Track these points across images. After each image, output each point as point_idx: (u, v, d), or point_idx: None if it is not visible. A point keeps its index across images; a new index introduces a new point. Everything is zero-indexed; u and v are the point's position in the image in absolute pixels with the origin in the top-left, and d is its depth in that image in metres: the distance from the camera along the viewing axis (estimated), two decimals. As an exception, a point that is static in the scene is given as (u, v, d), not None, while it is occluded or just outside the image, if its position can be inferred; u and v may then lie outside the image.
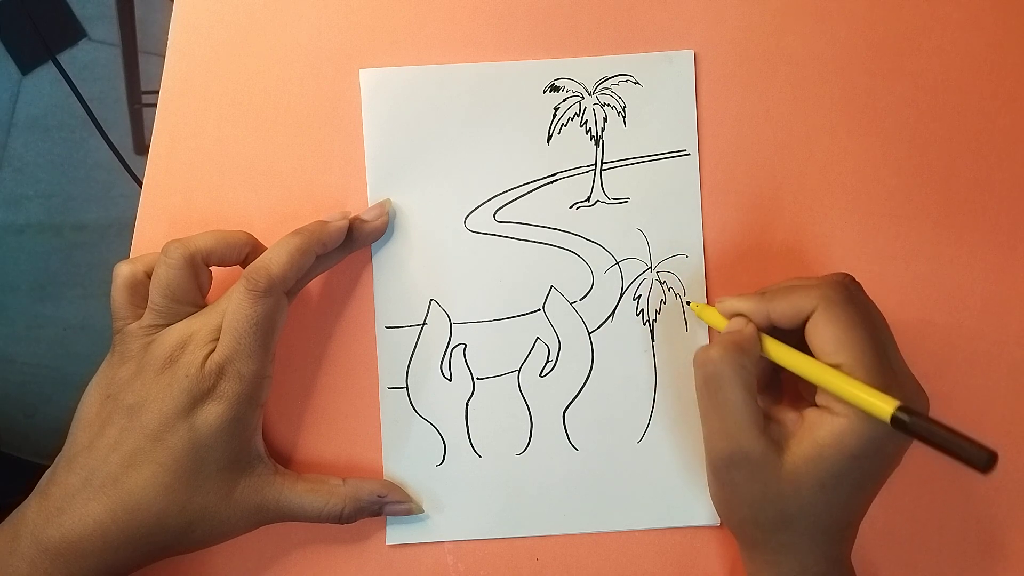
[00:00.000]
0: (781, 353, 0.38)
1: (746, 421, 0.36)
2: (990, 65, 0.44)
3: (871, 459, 0.36)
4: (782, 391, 0.41)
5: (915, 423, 0.32)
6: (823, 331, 0.36)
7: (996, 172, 0.44)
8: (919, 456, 0.44)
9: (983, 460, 0.31)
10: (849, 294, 0.37)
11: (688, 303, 0.43)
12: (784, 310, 0.37)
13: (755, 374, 0.37)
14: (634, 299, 0.44)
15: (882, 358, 0.36)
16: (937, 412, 0.44)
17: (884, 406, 0.33)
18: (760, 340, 0.38)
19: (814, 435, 0.36)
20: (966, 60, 0.44)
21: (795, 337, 0.37)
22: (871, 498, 0.38)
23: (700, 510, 0.44)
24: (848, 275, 0.38)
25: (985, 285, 0.44)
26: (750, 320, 0.38)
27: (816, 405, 0.37)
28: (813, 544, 0.37)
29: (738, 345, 0.37)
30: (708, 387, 0.37)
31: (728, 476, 0.37)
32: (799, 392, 0.40)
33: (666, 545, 0.44)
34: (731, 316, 0.39)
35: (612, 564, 0.44)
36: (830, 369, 0.35)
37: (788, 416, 0.37)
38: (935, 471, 0.44)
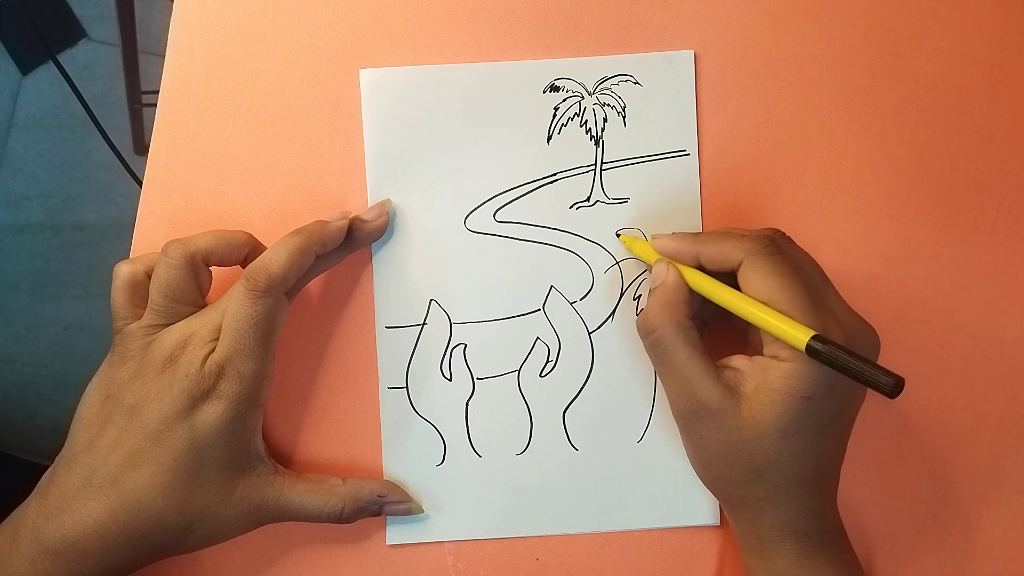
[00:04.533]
0: (706, 285, 0.39)
1: (697, 374, 0.37)
2: (990, 65, 0.44)
3: (825, 400, 0.36)
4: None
5: (828, 351, 0.34)
6: (752, 282, 0.37)
7: (996, 172, 0.44)
8: (920, 455, 0.44)
9: (889, 386, 0.33)
10: (775, 247, 0.38)
11: (618, 235, 0.44)
12: (712, 255, 0.39)
13: (693, 326, 0.38)
14: (634, 299, 0.44)
15: (816, 301, 0.36)
16: (937, 411, 0.44)
17: (800, 336, 0.35)
18: (684, 281, 0.39)
19: (766, 380, 0.36)
20: (966, 60, 0.44)
21: (728, 280, 0.39)
22: (839, 445, 0.39)
23: (700, 510, 0.44)
24: (777, 230, 0.39)
25: (985, 285, 0.44)
26: (671, 263, 0.40)
27: (764, 355, 0.37)
28: (790, 497, 0.37)
29: (668, 302, 0.39)
30: (655, 352, 0.39)
31: (695, 432, 0.38)
32: (751, 344, 0.41)
33: (666, 545, 0.44)
34: (661, 252, 0.41)
35: (612, 564, 0.44)
36: (751, 300, 0.37)
37: (741, 362, 0.38)
38: (936, 470, 0.44)
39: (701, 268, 0.40)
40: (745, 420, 0.36)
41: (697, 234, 0.40)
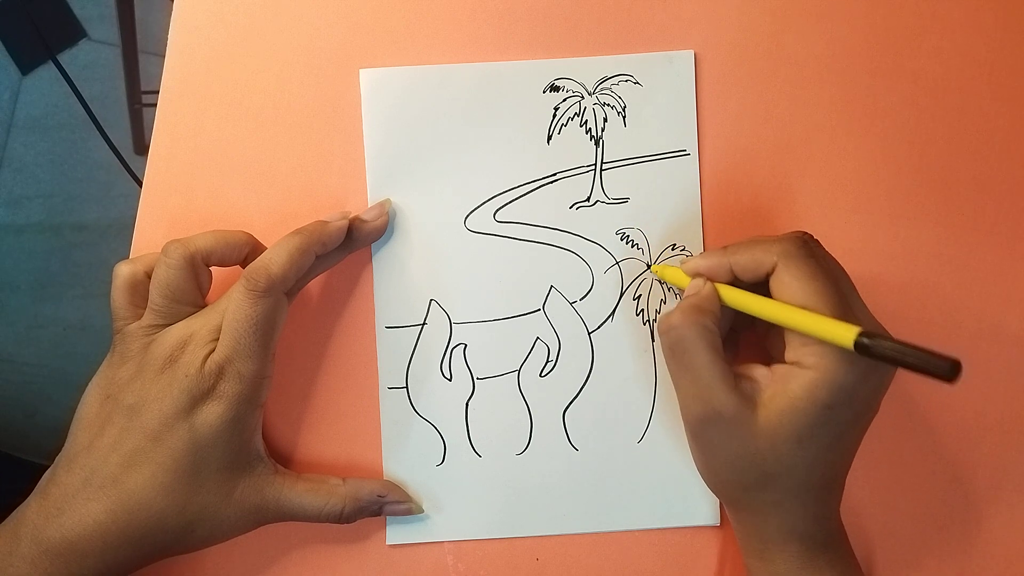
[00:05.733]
0: (741, 298, 0.38)
1: (716, 380, 0.37)
2: (990, 65, 0.44)
3: (844, 409, 0.36)
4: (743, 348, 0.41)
5: (878, 345, 0.33)
6: (787, 285, 0.37)
7: (996, 172, 0.44)
8: (920, 455, 0.44)
9: (947, 369, 0.31)
10: (808, 249, 0.37)
11: (649, 267, 0.44)
12: (745, 263, 0.38)
13: (718, 333, 0.38)
14: (634, 299, 0.44)
15: (845, 305, 0.36)
16: (937, 411, 0.44)
17: (847, 333, 0.34)
18: (718, 294, 0.39)
19: (786, 389, 0.36)
20: (966, 60, 0.44)
21: (759, 291, 0.38)
22: (851, 452, 0.38)
23: (700, 510, 0.44)
24: (806, 232, 0.39)
25: (985, 285, 0.44)
26: (708, 279, 0.39)
27: (785, 362, 0.37)
28: (798, 502, 0.37)
29: (697, 307, 0.38)
30: (674, 353, 0.38)
31: (706, 437, 0.38)
32: (769, 351, 0.41)
33: (666, 545, 0.44)
34: (694, 275, 0.40)
35: (612, 564, 0.44)
36: (790, 306, 0.36)
37: (759, 372, 0.38)
38: (936, 470, 0.44)
39: (734, 282, 0.39)
40: (761, 428, 0.36)
41: (726, 247, 0.39)
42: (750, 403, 0.36)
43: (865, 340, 0.33)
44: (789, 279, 0.36)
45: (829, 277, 0.37)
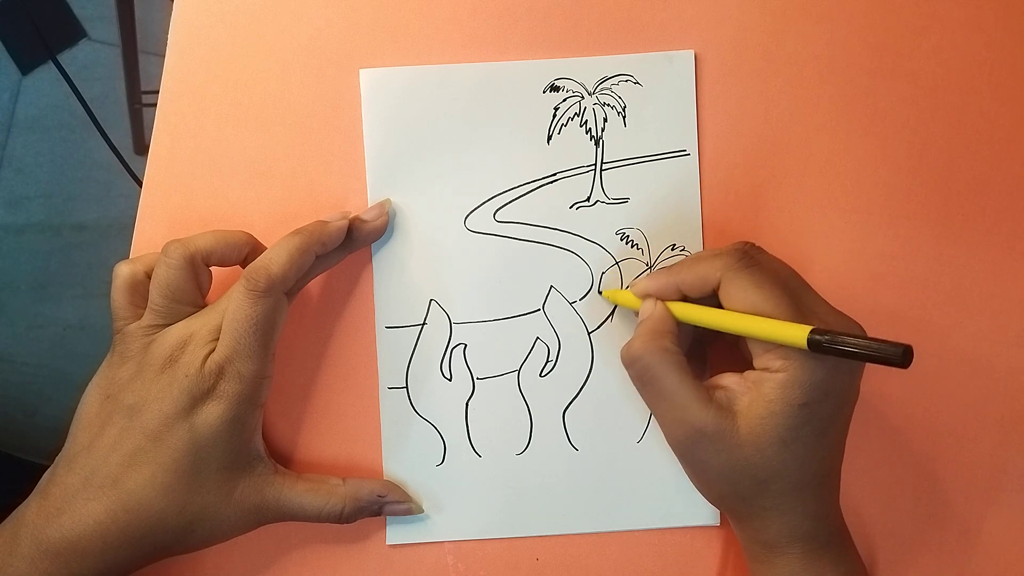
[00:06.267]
0: (694, 313, 0.39)
1: (690, 399, 0.37)
2: (990, 65, 0.44)
3: (821, 404, 0.36)
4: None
5: (831, 340, 0.33)
6: (733, 298, 0.37)
7: (996, 172, 0.44)
8: (920, 455, 0.44)
9: (898, 355, 0.32)
10: (749, 259, 0.38)
11: (600, 292, 0.44)
12: (692, 282, 0.39)
13: (680, 352, 0.38)
14: (634, 299, 0.44)
15: (798, 306, 0.36)
16: (937, 411, 0.44)
17: (798, 333, 0.34)
18: (671, 312, 0.39)
19: (761, 394, 0.36)
20: (966, 60, 0.44)
21: (713, 305, 0.38)
22: (839, 444, 0.38)
23: (700, 510, 0.44)
24: (748, 242, 0.39)
25: (985, 285, 0.44)
26: (658, 299, 0.40)
27: (755, 368, 0.37)
28: (795, 504, 0.37)
29: (654, 331, 0.38)
30: (643, 382, 0.39)
31: (693, 456, 0.38)
32: (744, 356, 0.40)
33: (666, 545, 0.44)
34: (643, 296, 0.40)
35: (612, 564, 0.44)
36: (742, 315, 0.37)
37: (731, 380, 0.38)
38: (936, 470, 0.44)
39: (685, 299, 0.40)
40: (744, 437, 0.36)
41: (672, 266, 0.40)
42: (729, 414, 0.37)
43: (816, 337, 0.34)
44: (735, 291, 0.37)
45: (776, 281, 0.37)
